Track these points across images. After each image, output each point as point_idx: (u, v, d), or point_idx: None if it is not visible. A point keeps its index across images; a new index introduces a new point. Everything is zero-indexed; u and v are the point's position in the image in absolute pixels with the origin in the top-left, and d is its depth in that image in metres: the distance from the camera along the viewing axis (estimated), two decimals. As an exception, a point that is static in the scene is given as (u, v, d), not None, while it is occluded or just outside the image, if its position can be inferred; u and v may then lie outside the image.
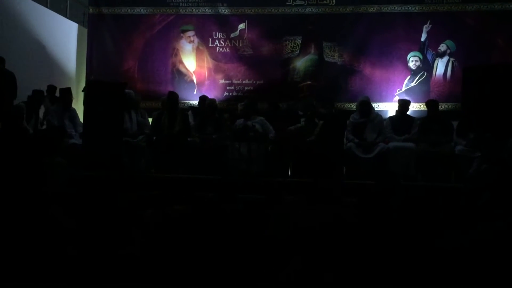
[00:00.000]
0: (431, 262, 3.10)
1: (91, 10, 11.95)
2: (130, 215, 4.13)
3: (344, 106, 10.74)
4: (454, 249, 3.16)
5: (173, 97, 9.40)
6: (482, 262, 3.06)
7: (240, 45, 11.49)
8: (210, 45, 11.60)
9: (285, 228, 3.66)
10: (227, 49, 11.54)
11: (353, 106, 10.48)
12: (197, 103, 10.39)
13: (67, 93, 9.37)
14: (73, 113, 9.41)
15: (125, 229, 3.83)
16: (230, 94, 11.46)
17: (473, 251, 3.13)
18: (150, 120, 9.69)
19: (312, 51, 11.26)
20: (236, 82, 11.47)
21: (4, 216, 3.77)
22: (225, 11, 11.52)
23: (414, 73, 10.85)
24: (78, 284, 3.03)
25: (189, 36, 11.66)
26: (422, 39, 10.84)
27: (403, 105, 9.12)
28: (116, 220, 3.99)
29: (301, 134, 8.76)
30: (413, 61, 10.86)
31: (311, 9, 11.22)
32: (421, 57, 10.85)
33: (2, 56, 8.94)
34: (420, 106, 10.56)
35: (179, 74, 11.68)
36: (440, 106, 9.29)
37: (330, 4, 11.17)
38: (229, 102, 11.25)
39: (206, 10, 11.58)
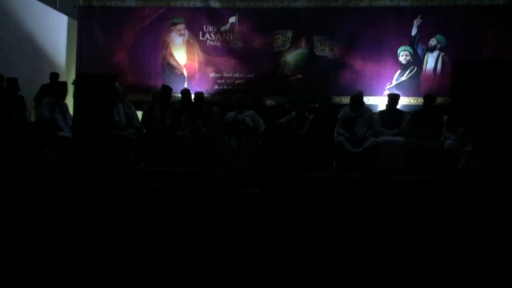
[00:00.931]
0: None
1: (81, 2, 11.88)
2: (122, 208, 4.13)
3: (334, 100, 10.73)
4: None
5: (167, 91, 9.41)
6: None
7: (231, 38, 11.47)
8: (200, 38, 11.58)
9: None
10: (218, 43, 11.52)
11: (343, 100, 10.51)
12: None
13: (63, 87, 9.34)
14: (64, 106, 9.37)
15: (117, 223, 3.82)
16: (221, 87, 11.45)
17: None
18: (139, 112, 9.68)
19: (303, 45, 11.26)
20: (226, 75, 11.46)
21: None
22: (215, 4, 11.49)
23: (404, 67, 10.87)
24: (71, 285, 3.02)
25: (180, 29, 11.63)
26: (413, 33, 10.85)
27: (393, 99, 9.15)
28: (108, 214, 3.98)
29: (291, 127, 8.76)
30: (403, 56, 10.88)
31: (302, 3, 11.21)
32: (411, 51, 10.87)
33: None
34: (410, 100, 10.60)
35: (170, 67, 11.65)
36: (430, 101, 9.32)
37: (321, -3, 11.18)
38: (220, 96, 11.24)
39: (197, 3, 11.55)
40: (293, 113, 8.99)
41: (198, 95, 9.65)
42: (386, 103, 9.28)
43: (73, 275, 3.03)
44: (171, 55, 11.66)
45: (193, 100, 9.80)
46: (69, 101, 9.37)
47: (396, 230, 3.47)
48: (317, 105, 9.53)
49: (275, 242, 3.33)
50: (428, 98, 8.98)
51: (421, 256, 3.08)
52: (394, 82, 10.86)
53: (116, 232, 3.62)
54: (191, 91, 10.12)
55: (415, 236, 3.27)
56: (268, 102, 10.24)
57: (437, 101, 9.18)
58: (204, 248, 3.29)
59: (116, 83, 9.45)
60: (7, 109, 8.71)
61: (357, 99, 9.01)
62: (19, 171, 5.67)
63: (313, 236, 3.43)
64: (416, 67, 10.83)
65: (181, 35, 11.63)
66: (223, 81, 11.46)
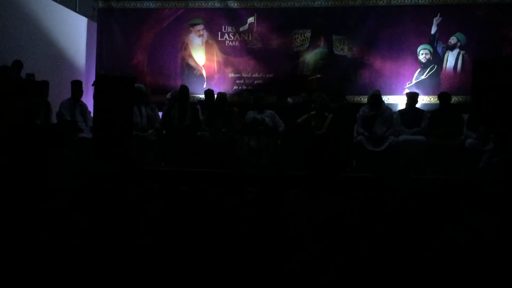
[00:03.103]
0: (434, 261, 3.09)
1: (100, 4, 11.98)
2: (140, 208, 4.14)
3: (354, 100, 10.69)
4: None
5: (185, 91, 9.43)
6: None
7: (249, 38, 11.47)
8: (219, 38, 11.60)
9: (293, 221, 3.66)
10: (237, 43, 11.54)
11: (362, 99, 10.46)
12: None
13: (77, 86, 9.39)
14: (84, 107, 9.43)
15: (134, 223, 3.83)
16: (240, 87, 11.46)
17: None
18: (160, 114, 9.72)
19: (322, 44, 11.23)
20: (245, 75, 11.46)
21: (10, 211, 3.78)
22: (234, 4, 11.50)
23: (424, 66, 10.80)
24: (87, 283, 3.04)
25: (199, 30, 11.66)
26: (432, 32, 10.78)
27: (412, 97, 9.10)
28: (126, 214, 4.00)
29: (309, 126, 8.74)
30: (423, 54, 10.81)
31: (321, 2, 11.19)
32: (431, 50, 10.80)
33: (20, 60, 9.00)
34: (430, 99, 10.53)
35: (189, 68, 11.69)
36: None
37: (340, -4, 11.15)
38: (239, 96, 11.24)
39: (215, 3, 11.57)
40: (312, 112, 8.96)
41: (221, 95, 9.65)
42: (406, 102, 9.22)
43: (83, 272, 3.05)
44: (190, 56, 11.69)
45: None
46: (90, 102, 9.41)
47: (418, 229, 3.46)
48: (336, 105, 9.50)
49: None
50: (444, 96, 8.92)
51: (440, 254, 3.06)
52: (414, 81, 10.79)
53: (132, 231, 3.63)
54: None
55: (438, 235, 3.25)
56: (289, 99, 10.23)
57: (457, 99, 9.12)
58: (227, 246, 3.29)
59: (142, 85, 9.53)
60: (32, 111, 8.76)
61: (375, 98, 8.97)
62: (36, 172, 5.71)
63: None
64: (436, 66, 10.76)
65: (199, 36, 11.66)
66: (242, 81, 11.47)
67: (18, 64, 9.12)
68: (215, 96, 9.77)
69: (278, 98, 10.07)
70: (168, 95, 10.11)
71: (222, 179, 6.99)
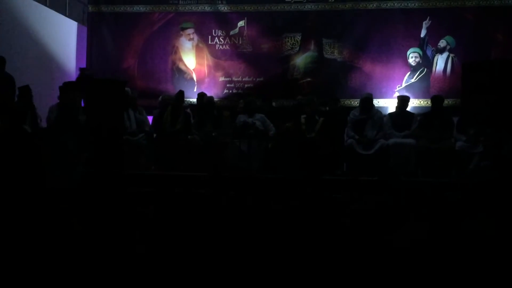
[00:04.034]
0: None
1: (90, 8, 11.96)
2: (131, 212, 4.14)
3: (344, 103, 10.71)
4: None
5: (181, 96, 9.47)
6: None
7: (240, 42, 11.48)
8: (209, 42, 11.60)
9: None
10: (227, 47, 11.54)
11: (353, 102, 10.50)
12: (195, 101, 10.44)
13: (64, 90, 9.35)
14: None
15: (126, 227, 3.83)
16: (230, 91, 11.46)
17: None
18: (149, 118, 9.71)
19: (312, 48, 11.25)
20: (236, 79, 11.47)
21: (9, 215, 3.77)
22: (224, 8, 11.51)
23: (414, 69, 10.84)
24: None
25: (189, 34, 11.66)
26: (422, 35, 10.82)
27: (403, 101, 9.13)
28: (118, 217, 4.00)
29: (301, 130, 8.76)
30: (413, 57, 10.85)
31: (311, 6, 11.21)
32: (420, 53, 10.84)
33: (3, 56, 8.92)
34: (420, 102, 10.57)
35: (179, 72, 11.68)
36: (440, 102, 9.29)
37: (329, 1, 11.15)
38: (229, 100, 11.24)
39: (206, 7, 11.57)
40: (303, 117, 8.97)
41: (209, 99, 9.66)
42: (396, 105, 9.25)
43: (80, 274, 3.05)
44: (181, 59, 11.69)
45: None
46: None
47: (404, 230, 3.47)
48: (327, 108, 9.53)
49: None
50: (436, 99, 8.96)
51: (428, 256, 3.07)
52: (403, 84, 10.83)
53: (126, 233, 3.63)
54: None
55: (424, 236, 3.26)
56: (274, 104, 10.25)
57: (447, 102, 9.16)
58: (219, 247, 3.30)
59: (128, 89, 9.48)
60: (18, 117, 8.72)
61: (367, 101, 9.02)
62: (31, 174, 5.71)
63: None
64: (425, 69, 10.80)
65: (190, 39, 11.65)
66: (232, 85, 11.47)
67: (1, 60, 9.00)
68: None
69: (267, 102, 10.08)
70: (160, 99, 10.11)
71: (211, 182, 6.99)
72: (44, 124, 9.25)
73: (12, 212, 4.02)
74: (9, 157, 6.82)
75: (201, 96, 9.99)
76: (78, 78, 10.69)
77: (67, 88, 9.15)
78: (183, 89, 10.00)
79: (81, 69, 11.15)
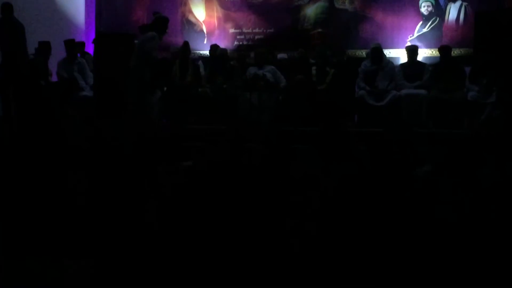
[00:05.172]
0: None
1: (99, -39, 11.85)
2: (144, 170, 4.15)
3: (355, 54, 10.62)
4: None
5: (187, 47, 9.40)
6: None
7: (250, -7, 11.36)
8: (219, -7, 11.50)
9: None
10: (237, -3, 11.43)
11: (364, 53, 10.37)
12: (207, 53, 10.37)
13: (70, 45, 9.36)
14: (82, 65, 9.39)
15: (140, 186, 3.84)
16: (240, 43, 11.38)
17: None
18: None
19: (322, -3, 11.11)
20: (246, 31, 11.37)
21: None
22: (234, -42, 11.37)
23: (426, 18, 10.68)
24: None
25: (198, -15, 11.55)
26: (434, -17, 10.66)
27: (412, 51, 9.05)
28: (132, 175, 4.01)
29: (312, 82, 8.71)
30: (425, 6, 10.68)
31: (321, -45, 11.03)
32: (433, 2, 10.66)
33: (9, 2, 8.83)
34: (432, 52, 10.43)
35: (189, 24, 11.60)
36: (452, 52, 9.17)
37: (340, -51, 10.98)
38: (240, 52, 11.16)
39: (216, -43, 11.44)
40: (313, 69, 8.92)
41: (222, 51, 9.61)
42: (406, 55, 9.17)
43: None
44: (190, 11, 11.59)
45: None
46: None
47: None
48: (338, 59, 9.45)
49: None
50: (444, 49, 8.87)
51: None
52: (416, 34, 10.69)
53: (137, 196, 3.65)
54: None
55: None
56: (280, 56, 10.16)
57: (460, 52, 9.06)
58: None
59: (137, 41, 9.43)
60: (36, 72, 8.74)
61: (376, 51, 8.91)
62: (45, 132, 5.73)
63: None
64: (438, 18, 10.63)
65: (199, -10, 11.54)
66: (242, 36, 11.38)
67: (8, 6, 8.91)
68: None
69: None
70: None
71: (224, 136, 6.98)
72: (54, 78, 9.28)
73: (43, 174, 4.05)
74: (29, 113, 6.85)
75: (214, 48, 9.92)
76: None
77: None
78: (193, 41, 9.95)
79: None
